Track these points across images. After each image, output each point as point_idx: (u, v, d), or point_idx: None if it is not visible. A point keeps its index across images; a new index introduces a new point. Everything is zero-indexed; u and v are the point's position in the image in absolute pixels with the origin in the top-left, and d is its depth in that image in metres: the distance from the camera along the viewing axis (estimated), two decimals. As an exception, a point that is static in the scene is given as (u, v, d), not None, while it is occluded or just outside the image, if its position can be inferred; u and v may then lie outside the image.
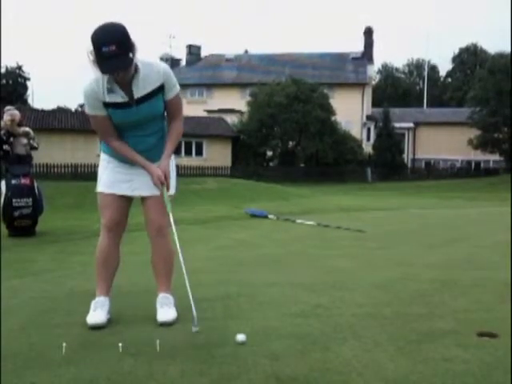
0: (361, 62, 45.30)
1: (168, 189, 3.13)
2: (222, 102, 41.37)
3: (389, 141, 37.33)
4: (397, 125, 39.99)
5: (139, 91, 2.96)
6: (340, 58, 46.10)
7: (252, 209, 11.33)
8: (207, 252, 6.19)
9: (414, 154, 44.69)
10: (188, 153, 32.98)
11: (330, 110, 34.87)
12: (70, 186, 16.12)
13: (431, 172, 39.40)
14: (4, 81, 47.71)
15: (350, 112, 40.23)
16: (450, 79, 69.24)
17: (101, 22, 2.80)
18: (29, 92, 52.24)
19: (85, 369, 2.43)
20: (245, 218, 10.37)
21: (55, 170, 26.60)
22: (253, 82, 40.21)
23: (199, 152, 34.21)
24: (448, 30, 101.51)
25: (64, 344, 2.62)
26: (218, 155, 33.58)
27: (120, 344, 2.62)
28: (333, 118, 35.22)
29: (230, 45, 78.57)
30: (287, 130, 34.16)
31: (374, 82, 55.29)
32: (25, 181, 8.07)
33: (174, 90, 3.09)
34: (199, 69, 46.91)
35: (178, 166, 3.26)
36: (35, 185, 8.27)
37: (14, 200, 7.94)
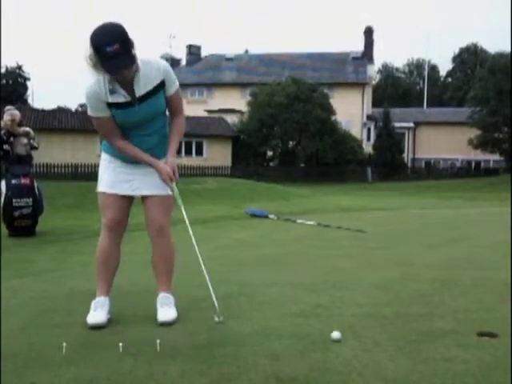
0: (361, 61, 45.27)
1: (177, 183, 3.13)
2: (223, 101, 41.37)
3: (389, 141, 37.32)
4: (397, 124, 39.98)
5: (141, 90, 2.96)
6: (340, 58, 46.06)
7: (252, 209, 11.33)
8: (207, 252, 6.16)
9: (414, 154, 44.68)
10: (188, 153, 32.98)
11: (330, 110, 34.86)
12: (70, 186, 16.13)
13: (431, 172, 39.38)
14: (4, 81, 47.69)
15: (350, 112, 40.21)
16: (450, 79, 69.23)
17: (100, 23, 2.79)
18: (29, 92, 52.25)
19: (85, 369, 2.43)
20: (245, 218, 10.37)
21: (55, 169, 26.61)
22: (253, 82, 40.20)
23: (199, 152, 34.21)
24: (448, 30, 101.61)
25: (64, 344, 2.62)
26: (219, 155, 33.58)
27: (120, 344, 2.62)
28: (333, 118, 35.20)
29: (230, 45, 78.73)
30: (287, 130, 34.14)
31: (374, 82, 55.25)
32: (25, 181, 8.07)
33: (174, 85, 3.09)
34: (199, 69, 46.90)
35: (178, 166, 3.26)
36: (35, 185, 8.27)
37: (14, 200, 7.94)
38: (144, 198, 3.22)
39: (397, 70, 74.13)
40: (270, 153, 36.87)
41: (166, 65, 3.06)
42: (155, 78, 2.99)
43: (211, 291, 2.99)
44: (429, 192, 24.23)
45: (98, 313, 3.08)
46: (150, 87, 2.98)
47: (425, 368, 2.37)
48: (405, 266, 4.93)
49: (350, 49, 47.44)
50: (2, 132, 8.09)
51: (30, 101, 51.44)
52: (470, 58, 65.20)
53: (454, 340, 2.72)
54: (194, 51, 49.30)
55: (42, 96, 69.69)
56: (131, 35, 2.83)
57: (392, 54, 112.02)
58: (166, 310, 3.13)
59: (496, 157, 38.05)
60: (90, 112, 3.02)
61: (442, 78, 70.89)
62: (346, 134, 36.18)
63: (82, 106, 53.17)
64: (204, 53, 50.16)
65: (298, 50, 57.72)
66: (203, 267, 3.05)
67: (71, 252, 6.59)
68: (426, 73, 60.73)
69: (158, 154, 3.15)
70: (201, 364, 2.46)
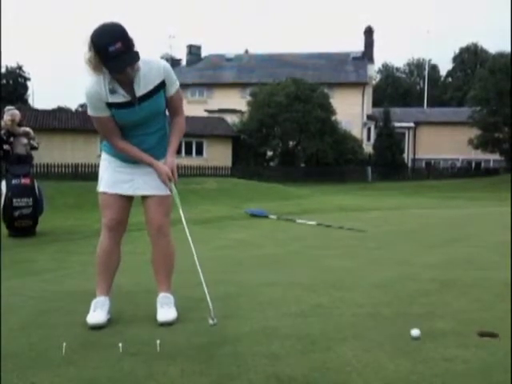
0: (361, 61, 45.28)
1: (175, 184, 3.13)
2: (223, 101, 41.36)
3: (389, 140, 37.32)
4: (397, 124, 40.00)
5: (141, 90, 2.95)
6: (340, 58, 46.06)
7: (252, 209, 11.33)
8: (207, 252, 6.18)
9: (414, 154, 44.68)
10: (188, 153, 32.99)
11: (330, 110, 34.85)
12: (70, 186, 16.13)
13: (431, 172, 39.36)
14: (4, 81, 47.72)
15: (351, 112, 40.21)
16: (450, 79, 69.25)
17: (100, 23, 2.79)
18: (29, 92, 52.31)
19: (85, 369, 2.43)
20: (245, 218, 10.37)
21: (55, 169, 26.62)
22: (253, 82, 40.24)
23: (199, 152, 34.22)
24: (448, 30, 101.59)
25: (64, 344, 2.62)
26: (219, 155, 33.58)
27: (120, 344, 2.62)
28: (333, 118, 35.20)
29: (231, 45, 78.71)
30: (287, 130, 34.14)
31: (374, 82, 55.25)
32: (25, 181, 8.08)
33: (174, 86, 3.09)
34: (199, 69, 46.91)
35: (177, 166, 3.26)
36: (35, 185, 8.28)
37: (14, 200, 7.95)
38: (144, 198, 3.22)
39: (397, 69, 74.17)
40: (270, 153, 36.86)
41: (166, 65, 3.06)
42: (155, 78, 2.98)
43: (206, 293, 2.99)
44: (429, 192, 24.22)
45: (97, 313, 3.08)
46: (150, 87, 2.97)
47: (425, 368, 2.37)
48: (405, 266, 4.93)
49: (351, 49, 47.53)
50: (2, 132, 8.10)
51: (30, 101, 51.50)
52: (470, 57, 65.22)
53: (454, 340, 2.71)
54: (194, 51, 49.30)
55: (42, 96, 69.77)
56: (131, 34, 2.83)
57: (392, 53, 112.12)
58: (166, 310, 3.13)
59: (496, 157, 38.05)
60: (90, 112, 3.02)
61: (442, 78, 70.91)
62: (346, 134, 36.19)
63: (82, 106, 53.15)
64: (204, 53, 50.21)
65: (298, 49, 57.82)
66: (199, 269, 3.04)
67: (71, 252, 6.59)
68: (426, 73, 60.73)
69: (158, 154, 3.15)
70: (201, 364, 2.46)
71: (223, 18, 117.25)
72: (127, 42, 2.76)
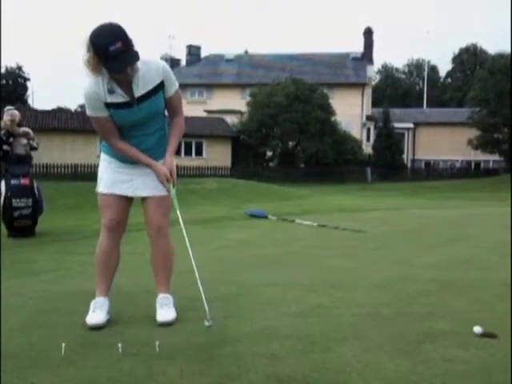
0: (361, 62, 45.32)
1: (174, 185, 3.13)
2: (222, 102, 41.39)
3: (389, 141, 37.36)
4: (397, 125, 40.03)
5: (139, 90, 2.95)
6: (340, 59, 46.09)
7: (252, 209, 11.33)
8: (207, 252, 6.18)
9: (413, 155, 44.70)
10: (188, 153, 33.01)
11: (329, 111, 34.89)
12: (69, 187, 16.13)
13: (431, 172, 39.39)
14: (4, 81, 47.71)
15: (350, 112, 40.25)
16: (449, 79, 69.28)
17: (99, 23, 2.78)
18: (29, 92, 52.30)
19: (84, 369, 2.43)
20: (245, 219, 10.36)
21: (55, 170, 26.64)
22: (252, 83, 40.25)
23: (199, 152, 34.23)
24: (448, 31, 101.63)
25: (63, 344, 2.62)
26: (218, 155, 33.59)
27: (119, 344, 2.62)
28: (333, 119, 35.23)
29: (230, 45, 78.70)
30: (287, 131, 34.16)
31: (373, 83, 55.30)
32: (24, 181, 8.07)
33: (173, 86, 3.09)
34: (199, 69, 46.93)
35: (177, 166, 3.26)
36: (35, 185, 8.28)
37: (13, 200, 7.95)
38: (143, 199, 3.21)
39: (396, 70, 74.22)
40: (269, 153, 36.89)
41: (165, 65, 3.05)
42: (154, 79, 2.98)
43: (202, 294, 2.98)
44: (428, 192, 24.23)
45: (97, 313, 3.07)
46: (149, 87, 2.96)
47: (425, 368, 2.37)
48: (404, 266, 4.93)
49: (350, 49, 47.56)
50: (2, 132, 8.09)
51: (29, 101, 51.50)
52: (469, 58, 65.26)
53: (454, 340, 2.71)
54: (193, 52, 49.33)
55: (41, 96, 69.78)
56: (132, 37, 2.83)
57: (392, 54, 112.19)
58: (166, 311, 3.12)
59: (496, 157, 38.08)
60: (88, 112, 3.01)
61: (441, 79, 70.95)
62: (346, 135, 36.22)
63: (81, 106, 53.09)
64: (204, 53, 50.24)
65: (298, 50, 57.66)
66: (195, 270, 3.04)
67: (71, 252, 6.59)
68: (425, 73, 60.77)
69: (158, 155, 3.14)
70: (200, 364, 2.45)
71: (223, 18, 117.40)
72: (127, 42, 2.76)
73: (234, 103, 40.39)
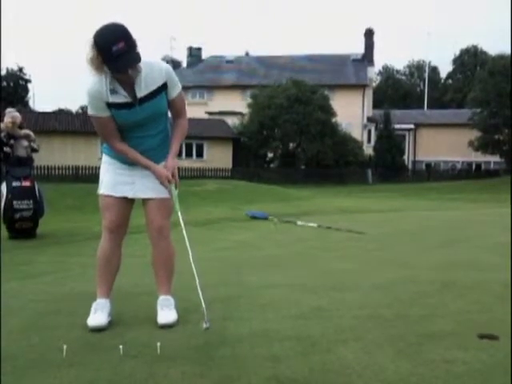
0: (361, 63, 45.31)
1: (176, 187, 3.13)
2: (223, 103, 41.40)
3: (389, 142, 37.33)
4: (397, 126, 40.01)
5: (142, 91, 2.96)
6: (340, 60, 46.09)
7: (253, 211, 11.34)
8: (207, 253, 6.19)
9: (414, 156, 44.68)
10: (189, 155, 32.99)
11: (330, 112, 34.88)
12: (71, 188, 16.15)
13: (432, 174, 39.36)
14: (5, 83, 47.74)
15: (351, 114, 40.24)
16: (450, 81, 69.28)
17: (100, 24, 2.80)
18: (30, 94, 52.30)
19: (85, 371, 2.43)
20: (245, 220, 10.38)
21: (56, 172, 26.62)
22: (253, 84, 40.27)
23: (200, 154, 34.22)
24: (448, 32, 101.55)
25: (64, 346, 2.62)
26: (219, 157, 33.59)
27: (121, 346, 2.62)
28: (333, 120, 35.21)
29: (231, 47, 78.77)
30: (288, 132, 34.15)
31: (374, 84, 55.30)
32: (26, 183, 8.09)
33: (177, 88, 3.10)
34: (200, 71, 46.96)
35: (178, 168, 3.26)
36: (36, 187, 8.28)
37: (14, 202, 7.95)
38: (144, 201, 3.22)
39: (397, 71, 74.22)
40: (270, 155, 36.88)
41: (168, 67, 3.06)
42: (157, 80, 2.99)
43: (201, 296, 2.98)
44: (429, 194, 24.23)
45: (98, 315, 3.08)
46: (151, 88, 2.97)
47: (425, 370, 2.37)
48: (405, 268, 4.93)
49: (351, 51, 47.57)
50: (3, 134, 8.10)
51: (30, 103, 51.50)
52: (470, 59, 65.25)
53: (455, 342, 2.72)
54: (194, 53, 49.38)
55: (42, 98, 69.82)
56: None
57: (392, 55, 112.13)
58: (167, 313, 3.13)
59: (496, 158, 38.06)
60: (90, 111, 3.01)
61: (442, 80, 70.95)
62: (347, 136, 36.20)
63: (82, 108, 53.13)
64: (204, 55, 50.27)
65: (299, 52, 57.73)
66: (195, 272, 3.05)
67: (72, 254, 6.59)
68: (426, 74, 60.78)
69: (159, 157, 3.15)
70: (201, 366, 2.46)
71: (224, 19, 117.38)
72: (130, 43, 2.77)
73: (234, 105, 40.41)
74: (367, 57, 45.90)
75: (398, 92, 66.55)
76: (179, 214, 3.14)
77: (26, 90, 51.13)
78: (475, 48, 65.80)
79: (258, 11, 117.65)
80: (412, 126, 44.57)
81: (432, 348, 2.64)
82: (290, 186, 23.60)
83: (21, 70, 49.93)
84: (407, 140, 44.57)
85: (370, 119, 43.01)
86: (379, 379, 2.29)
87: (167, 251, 3.25)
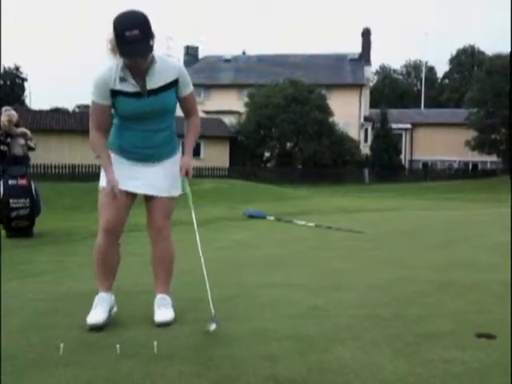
0: (358, 63, 45.34)
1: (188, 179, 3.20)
2: (220, 103, 41.37)
3: (386, 142, 37.40)
4: (394, 126, 40.09)
5: (152, 83, 2.98)
6: (338, 60, 46.12)
7: (250, 210, 11.33)
8: (205, 253, 6.16)
9: (411, 155, 44.75)
10: (186, 154, 32.93)
11: (327, 111, 34.92)
12: (68, 187, 16.12)
13: (429, 173, 39.41)
14: (1, 81, 47.65)
15: (348, 113, 40.27)
16: (447, 80, 69.35)
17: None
18: (26, 93, 52.24)
19: (83, 370, 2.42)
20: (243, 219, 10.37)
21: (53, 170, 26.56)
22: (250, 83, 40.26)
23: (197, 153, 34.12)
24: (445, 32, 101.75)
25: (61, 345, 2.61)
26: (216, 156, 33.57)
27: (118, 345, 2.62)
28: (330, 119, 35.25)
29: (228, 46, 78.61)
30: (285, 131, 34.17)
31: (371, 83, 55.34)
32: (22, 181, 8.06)
33: (189, 87, 3.15)
34: (197, 70, 46.85)
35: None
36: (33, 186, 8.26)
37: (11, 201, 7.93)
38: (147, 199, 3.21)
39: (394, 71, 74.27)
40: (267, 154, 36.89)
41: (182, 67, 3.15)
42: (170, 75, 3.03)
43: (209, 297, 2.98)
44: (426, 193, 24.25)
45: (96, 312, 3.06)
46: (162, 83, 3.01)
47: (423, 369, 2.37)
48: (403, 268, 4.93)
49: (348, 50, 47.57)
50: None
51: (27, 102, 51.41)
52: (467, 59, 65.36)
53: (453, 341, 2.72)
54: (191, 52, 49.31)
55: (39, 97, 69.67)
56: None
57: (389, 55, 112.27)
58: (164, 311, 3.12)
59: (493, 158, 38.15)
60: (92, 97, 3.03)
61: (439, 80, 71.02)
62: (344, 136, 36.23)
63: (79, 106, 53.14)
64: (201, 54, 50.19)
65: (296, 51, 57.65)
66: (205, 272, 3.05)
67: (69, 253, 6.58)
68: (423, 74, 60.86)
69: (164, 153, 3.18)
70: (198, 366, 2.45)
71: (221, 19, 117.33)
72: (146, 32, 2.80)
73: (231, 104, 40.40)
74: (364, 56, 45.93)
75: (395, 91, 66.61)
76: (193, 212, 3.18)
77: (23, 89, 51.06)
78: (472, 48, 65.90)
79: (255, 10, 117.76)
80: (409, 126, 44.64)
81: (430, 348, 2.64)
82: (287, 186, 23.59)
83: (17, 68, 49.87)
84: (404, 139, 44.64)
85: (366, 119, 43.05)
86: (377, 379, 2.29)
87: (166, 251, 3.25)
